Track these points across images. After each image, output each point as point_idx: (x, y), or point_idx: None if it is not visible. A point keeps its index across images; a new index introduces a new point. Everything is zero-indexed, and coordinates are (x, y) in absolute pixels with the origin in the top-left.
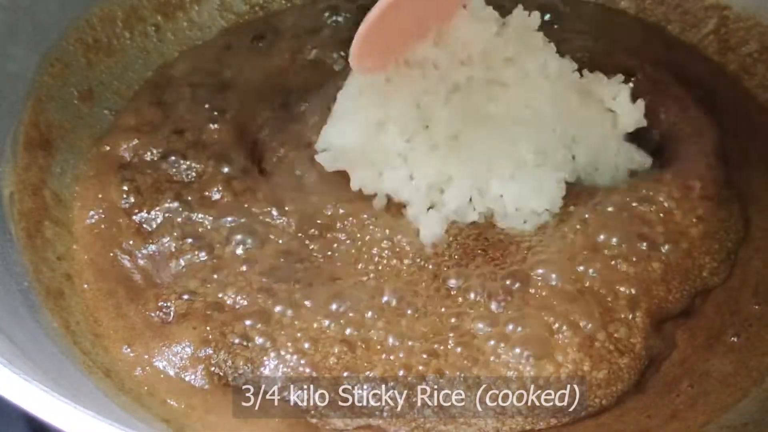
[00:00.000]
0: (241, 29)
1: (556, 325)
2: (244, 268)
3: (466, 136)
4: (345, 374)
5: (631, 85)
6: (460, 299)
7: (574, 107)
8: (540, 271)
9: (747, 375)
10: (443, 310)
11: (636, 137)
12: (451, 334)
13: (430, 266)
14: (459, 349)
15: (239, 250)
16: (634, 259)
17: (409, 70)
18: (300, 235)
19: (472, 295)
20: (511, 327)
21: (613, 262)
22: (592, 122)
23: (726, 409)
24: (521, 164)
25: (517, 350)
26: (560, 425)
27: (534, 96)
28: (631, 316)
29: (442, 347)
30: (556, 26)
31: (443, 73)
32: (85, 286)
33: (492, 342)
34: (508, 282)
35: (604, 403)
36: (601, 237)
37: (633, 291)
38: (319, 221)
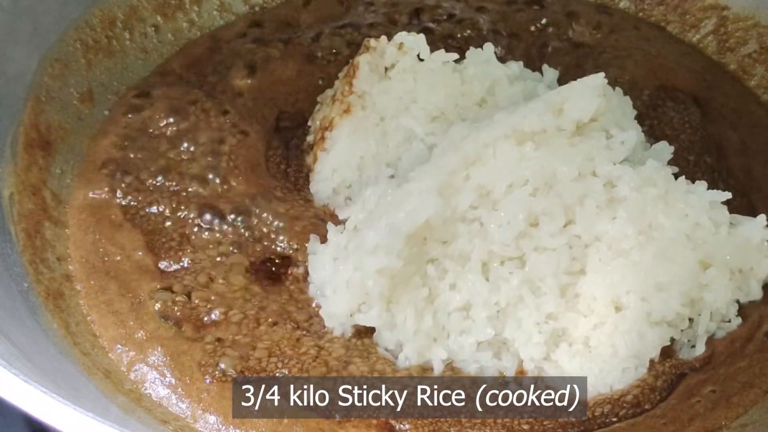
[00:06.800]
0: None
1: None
2: (241, 267)
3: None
4: (344, 374)
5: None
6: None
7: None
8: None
9: None
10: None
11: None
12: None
13: None
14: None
15: (237, 248)
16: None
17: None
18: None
19: None
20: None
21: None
22: None
23: (743, 411)
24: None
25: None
26: None
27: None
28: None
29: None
30: (551, 29)
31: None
32: (79, 285)
33: None
34: None
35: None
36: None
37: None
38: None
